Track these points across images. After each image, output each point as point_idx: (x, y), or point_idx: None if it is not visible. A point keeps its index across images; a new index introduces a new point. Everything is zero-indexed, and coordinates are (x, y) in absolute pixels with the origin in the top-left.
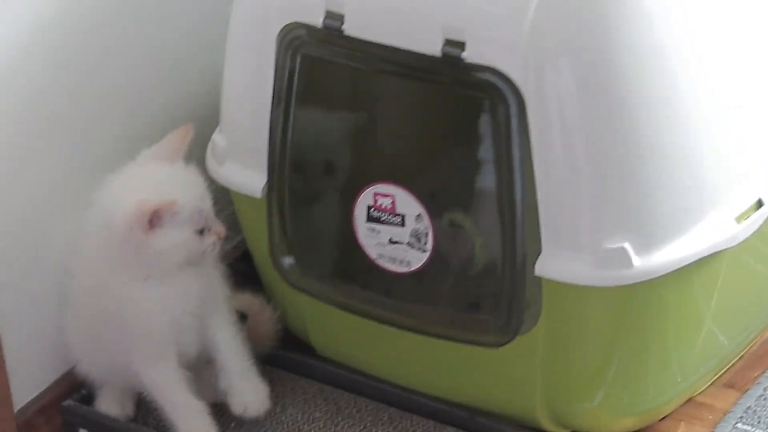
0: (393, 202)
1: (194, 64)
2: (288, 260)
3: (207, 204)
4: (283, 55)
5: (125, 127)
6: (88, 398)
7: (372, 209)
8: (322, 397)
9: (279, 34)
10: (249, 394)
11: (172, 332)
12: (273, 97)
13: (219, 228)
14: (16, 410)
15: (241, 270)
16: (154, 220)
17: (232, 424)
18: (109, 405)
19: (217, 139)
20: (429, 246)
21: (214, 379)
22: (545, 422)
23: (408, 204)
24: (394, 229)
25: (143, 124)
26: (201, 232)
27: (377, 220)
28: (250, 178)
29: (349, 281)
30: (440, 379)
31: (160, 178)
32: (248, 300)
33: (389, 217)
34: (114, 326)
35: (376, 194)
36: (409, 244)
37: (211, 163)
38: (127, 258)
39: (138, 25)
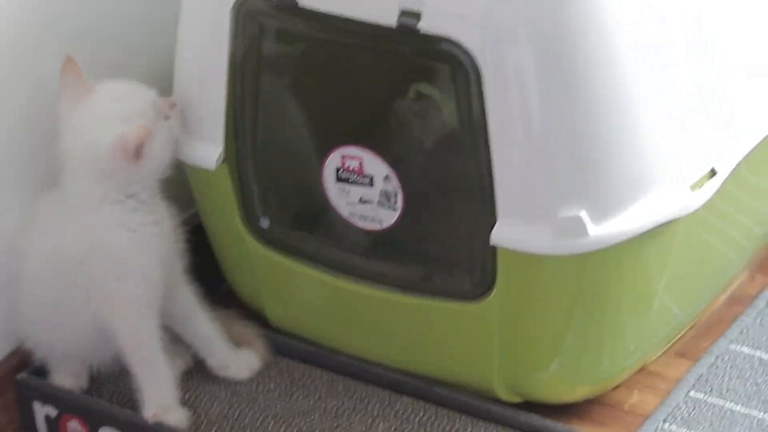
0: (360, 164)
1: (148, 39)
2: (265, 221)
3: (150, 93)
4: (242, 26)
5: None
6: (42, 371)
7: (340, 170)
8: (277, 369)
9: (234, 7)
10: (242, 357)
11: (160, 277)
12: (230, 66)
13: (167, 100)
14: None
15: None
16: (137, 150)
17: (186, 395)
18: (63, 378)
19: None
20: (399, 205)
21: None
22: (502, 392)
23: (375, 165)
24: (363, 189)
25: None
26: (167, 118)
27: (346, 181)
28: (204, 150)
29: (324, 238)
30: (397, 349)
31: (106, 102)
32: (242, 329)
33: (358, 178)
34: (100, 280)
35: (344, 156)
36: (379, 203)
37: None
38: (118, 180)
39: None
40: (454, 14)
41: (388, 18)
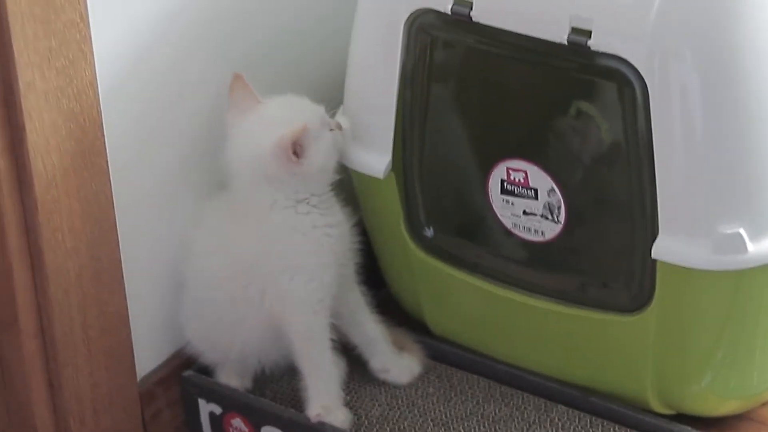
0: (526, 177)
1: (315, 50)
2: (429, 231)
3: (320, 108)
4: (414, 39)
5: None
6: (207, 369)
7: (506, 183)
8: (436, 374)
9: (407, 20)
10: (404, 362)
11: (332, 277)
12: (400, 78)
13: (336, 120)
14: (138, 379)
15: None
16: (297, 148)
17: (348, 397)
18: (228, 377)
19: (340, 121)
20: (562, 218)
21: None
22: (654, 403)
23: (540, 179)
24: (527, 202)
25: None
26: (334, 129)
27: (511, 193)
28: (373, 159)
29: (486, 248)
30: (553, 358)
31: (277, 111)
32: (400, 336)
33: (523, 191)
34: (273, 281)
35: (509, 169)
36: (542, 215)
37: None
38: (285, 184)
39: (262, 5)
40: (623, 32)
41: (559, 35)
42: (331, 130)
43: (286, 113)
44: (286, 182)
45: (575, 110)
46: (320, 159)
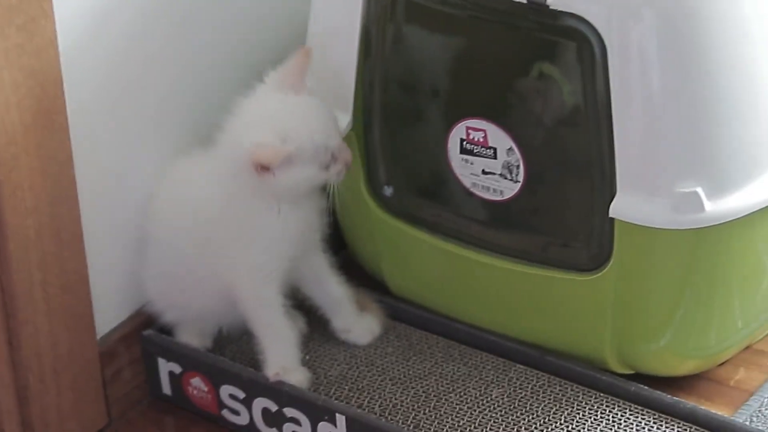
0: (485, 136)
1: (277, 12)
2: (388, 189)
3: (333, 138)
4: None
5: (213, 76)
6: (168, 329)
7: (465, 142)
8: (395, 334)
9: None
10: (365, 322)
11: (290, 252)
12: (361, 37)
13: (346, 155)
14: (98, 338)
15: None
16: (263, 167)
17: (307, 357)
18: (188, 337)
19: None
20: (521, 177)
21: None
22: (612, 362)
23: (499, 138)
24: (486, 161)
25: (229, 71)
26: (327, 167)
27: (470, 153)
28: None
29: (446, 207)
30: (512, 318)
31: (286, 112)
32: (360, 296)
33: (482, 150)
34: (227, 246)
35: (468, 128)
36: (501, 175)
37: None
38: (255, 188)
39: None
40: None
41: None
42: (326, 168)
43: (295, 122)
44: (255, 180)
45: (537, 71)
46: (292, 186)
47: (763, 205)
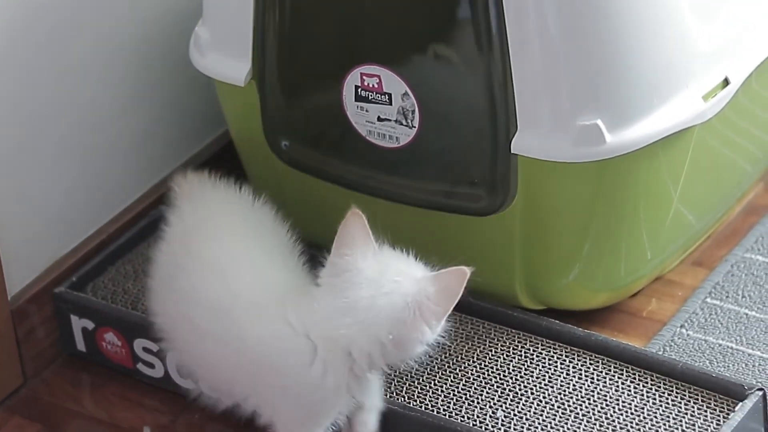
0: (379, 82)
1: None
2: (285, 141)
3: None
4: None
5: (106, 31)
6: (79, 285)
7: (360, 89)
8: None
9: None
10: None
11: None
12: None
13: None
14: (9, 297)
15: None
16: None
17: None
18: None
19: (200, 31)
20: (416, 122)
21: None
22: (524, 299)
23: (394, 83)
24: (381, 107)
25: (127, 25)
26: None
27: (365, 99)
28: (234, 67)
29: (344, 157)
30: (422, 260)
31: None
32: None
33: (377, 96)
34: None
35: (362, 74)
36: (396, 121)
37: (194, 55)
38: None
39: None
40: None
41: None
42: (430, 325)
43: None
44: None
45: (430, 13)
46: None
47: (664, 134)
